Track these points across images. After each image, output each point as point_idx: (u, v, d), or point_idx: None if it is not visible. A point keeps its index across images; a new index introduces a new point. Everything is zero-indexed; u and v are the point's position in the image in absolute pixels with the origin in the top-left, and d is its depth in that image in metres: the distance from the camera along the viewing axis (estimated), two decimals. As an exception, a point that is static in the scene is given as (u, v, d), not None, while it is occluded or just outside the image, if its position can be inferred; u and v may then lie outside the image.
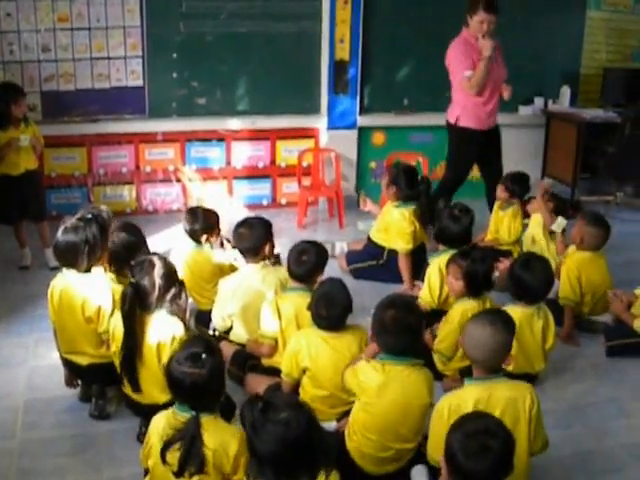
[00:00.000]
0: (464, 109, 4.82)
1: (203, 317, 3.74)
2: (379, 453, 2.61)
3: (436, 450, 2.44)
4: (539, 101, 6.41)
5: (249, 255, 3.52)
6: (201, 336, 3.39)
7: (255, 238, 3.50)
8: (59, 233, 3.02)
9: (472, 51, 4.67)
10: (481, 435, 1.95)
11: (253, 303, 3.38)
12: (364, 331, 2.98)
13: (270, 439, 1.96)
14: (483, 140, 4.89)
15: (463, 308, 3.33)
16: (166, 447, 2.19)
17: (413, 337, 2.61)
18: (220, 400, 2.43)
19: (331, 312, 2.89)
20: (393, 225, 4.46)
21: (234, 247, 3.75)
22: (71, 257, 2.99)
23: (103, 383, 3.07)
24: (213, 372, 2.30)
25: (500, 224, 4.73)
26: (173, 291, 2.84)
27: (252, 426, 1.99)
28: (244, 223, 3.60)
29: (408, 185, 4.43)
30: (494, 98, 4.82)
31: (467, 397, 2.45)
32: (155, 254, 2.94)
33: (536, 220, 4.53)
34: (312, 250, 3.26)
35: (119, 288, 2.94)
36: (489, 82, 4.72)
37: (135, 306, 2.80)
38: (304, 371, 2.93)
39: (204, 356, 2.31)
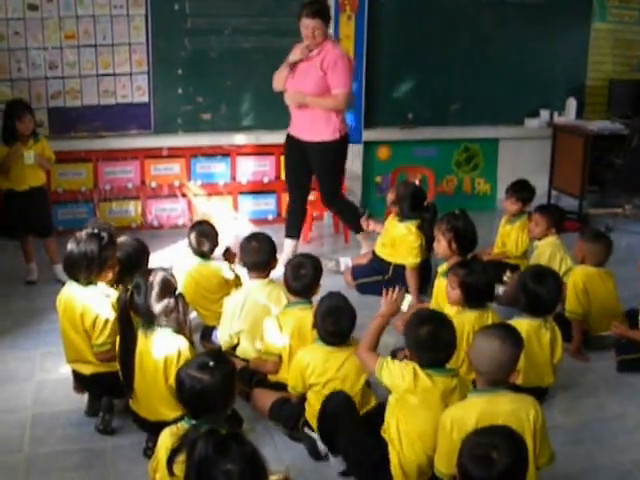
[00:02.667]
0: None
1: (209, 333, 3.72)
2: (420, 461, 2.57)
3: (441, 461, 2.44)
4: (545, 113, 6.40)
5: (256, 270, 3.49)
6: (217, 350, 3.37)
7: (265, 253, 3.48)
8: (67, 245, 3.10)
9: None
10: (488, 446, 1.97)
11: (260, 319, 3.34)
12: None
13: None
14: (298, 149, 4.75)
15: (460, 320, 3.25)
16: (171, 458, 2.18)
17: (451, 349, 2.62)
18: (226, 413, 2.41)
19: (339, 326, 2.89)
20: (400, 240, 4.44)
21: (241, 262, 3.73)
22: (72, 269, 3.07)
23: (108, 394, 3.06)
24: (217, 381, 2.29)
25: (507, 237, 4.69)
26: (166, 303, 2.81)
27: (199, 462, 1.90)
28: (253, 238, 3.57)
29: (412, 209, 4.42)
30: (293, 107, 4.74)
31: (470, 409, 2.42)
32: (155, 268, 2.94)
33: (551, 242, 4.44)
34: (308, 263, 3.26)
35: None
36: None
37: (128, 310, 2.84)
38: (310, 386, 2.92)
39: (212, 364, 2.31)
